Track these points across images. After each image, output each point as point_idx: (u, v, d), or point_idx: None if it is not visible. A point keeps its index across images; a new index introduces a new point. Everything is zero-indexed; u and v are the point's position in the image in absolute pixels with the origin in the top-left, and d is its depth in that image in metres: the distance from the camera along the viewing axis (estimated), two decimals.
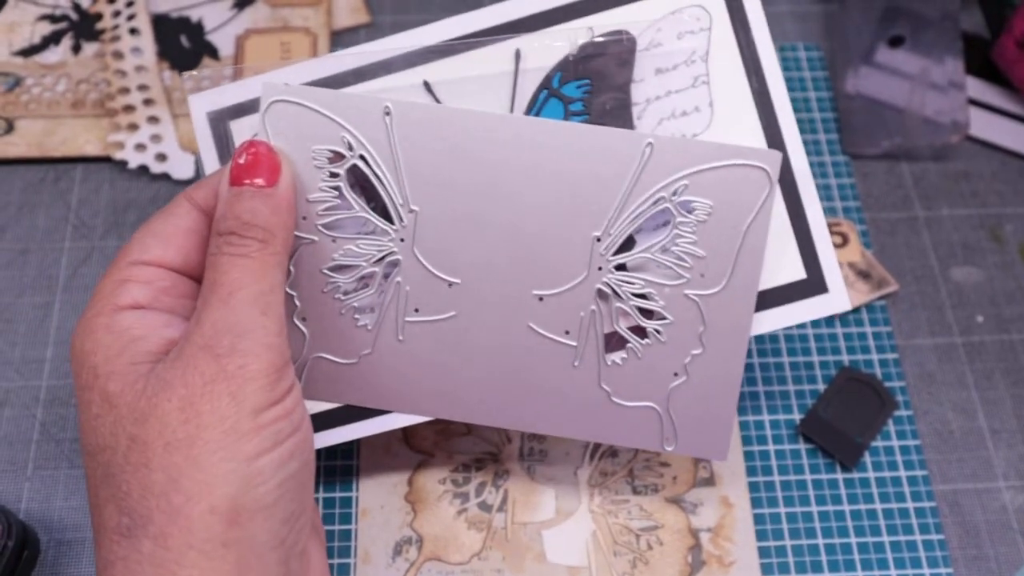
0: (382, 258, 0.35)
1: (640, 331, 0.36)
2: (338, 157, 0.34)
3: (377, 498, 0.41)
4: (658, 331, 0.36)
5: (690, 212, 0.35)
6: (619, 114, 0.36)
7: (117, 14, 0.52)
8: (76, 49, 0.52)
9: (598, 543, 0.41)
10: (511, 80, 0.36)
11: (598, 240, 0.35)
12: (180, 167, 0.48)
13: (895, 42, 0.52)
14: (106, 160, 0.49)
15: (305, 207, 0.35)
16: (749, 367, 0.44)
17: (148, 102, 0.50)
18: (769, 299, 0.37)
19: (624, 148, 0.34)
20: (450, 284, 0.35)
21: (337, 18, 0.54)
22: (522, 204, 0.34)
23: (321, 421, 0.37)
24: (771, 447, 0.43)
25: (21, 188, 0.48)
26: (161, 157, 0.48)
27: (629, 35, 0.36)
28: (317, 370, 0.36)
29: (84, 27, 0.52)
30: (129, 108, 0.49)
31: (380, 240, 0.35)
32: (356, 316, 0.36)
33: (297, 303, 0.35)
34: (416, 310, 0.36)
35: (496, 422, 0.37)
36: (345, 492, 0.42)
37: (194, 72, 0.39)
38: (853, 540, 0.41)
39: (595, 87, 0.36)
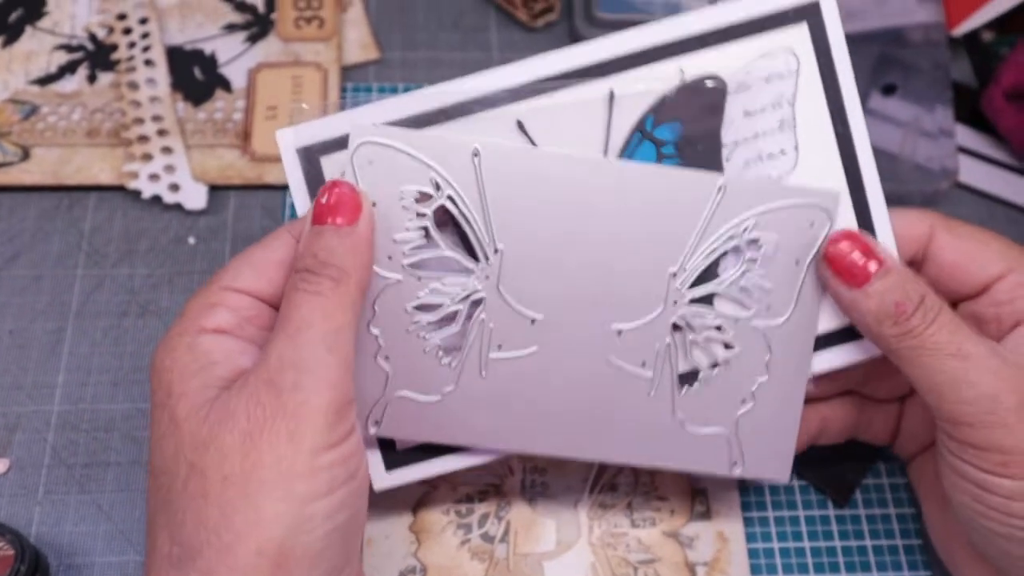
0: (467, 296, 0.36)
1: (711, 363, 0.37)
2: (425, 197, 0.35)
3: (382, 528, 0.42)
4: (728, 361, 0.37)
5: (758, 248, 0.36)
6: (710, 156, 0.37)
7: (132, 45, 0.53)
8: (92, 79, 0.53)
9: (597, 575, 0.42)
10: (604, 121, 0.37)
11: (674, 276, 0.36)
12: (192, 197, 0.49)
13: (888, 90, 0.54)
14: (120, 189, 0.50)
15: (391, 247, 0.35)
16: None
17: (162, 132, 0.51)
18: (836, 337, 0.38)
19: (699, 189, 0.36)
20: (533, 320, 0.36)
21: (348, 53, 0.55)
22: (604, 242, 0.36)
23: (400, 459, 0.38)
24: (766, 483, 0.45)
25: (35, 215, 0.49)
26: (174, 187, 0.50)
27: (720, 79, 0.37)
28: (399, 408, 0.37)
29: (100, 57, 0.53)
30: (143, 138, 0.50)
31: (465, 279, 0.36)
32: (440, 354, 0.36)
33: (380, 342, 0.36)
34: (499, 346, 0.36)
35: (575, 454, 0.38)
36: None
37: (304, 105, 0.38)
38: None
39: (686, 129, 0.37)
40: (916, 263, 0.38)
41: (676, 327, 0.37)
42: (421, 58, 0.56)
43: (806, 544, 0.43)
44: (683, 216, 0.36)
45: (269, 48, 0.55)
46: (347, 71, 0.55)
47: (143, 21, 0.54)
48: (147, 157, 0.50)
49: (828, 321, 0.38)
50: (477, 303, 0.36)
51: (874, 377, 0.41)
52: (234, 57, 0.54)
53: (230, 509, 0.29)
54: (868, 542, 0.43)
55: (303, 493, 0.30)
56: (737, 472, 0.38)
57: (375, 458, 0.38)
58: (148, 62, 0.53)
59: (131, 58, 0.53)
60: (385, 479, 0.38)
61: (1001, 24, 0.57)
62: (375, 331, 0.36)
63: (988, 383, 0.33)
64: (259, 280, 0.34)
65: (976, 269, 0.37)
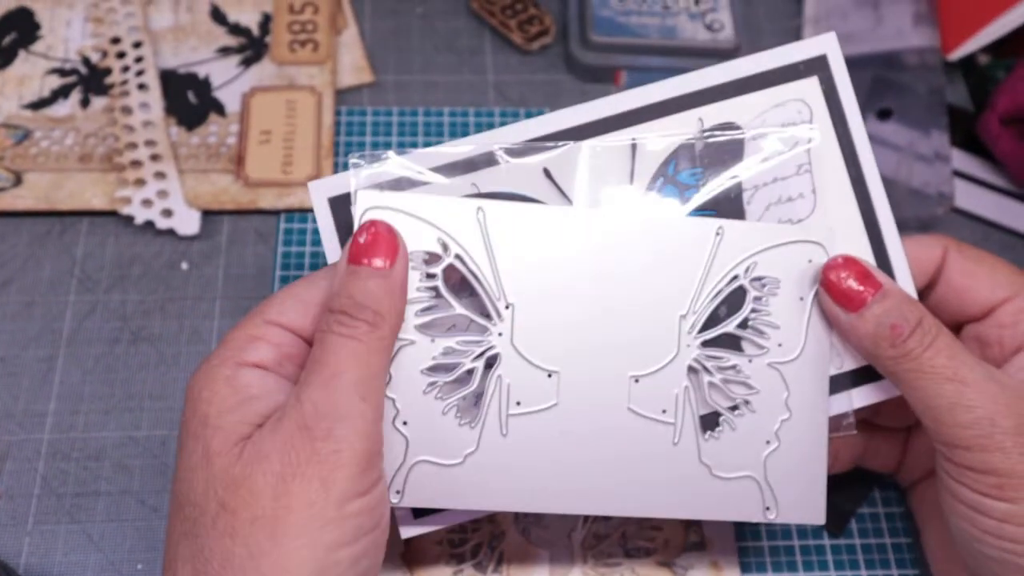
0: (482, 353, 0.36)
1: (731, 405, 0.37)
2: (434, 258, 0.35)
3: None
4: (747, 401, 0.37)
5: (763, 287, 0.37)
6: (731, 200, 0.38)
7: (126, 69, 0.53)
8: (85, 103, 0.53)
9: None
10: (628, 168, 0.38)
11: (683, 318, 0.37)
12: (185, 223, 0.49)
13: (883, 114, 0.54)
14: (112, 214, 0.50)
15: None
16: None
17: (155, 158, 0.51)
18: (856, 378, 0.39)
19: (698, 234, 0.37)
20: (549, 374, 0.36)
21: (342, 77, 0.55)
22: (613, 291, 0.36)
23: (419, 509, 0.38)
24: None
25: (27, 241, 0.49)
26: (167, 213, 0.49)
27: (737, 127, 0.38)
28: (421, 474, 0.36)
29: (93, 81, 0.53)
30: (136, 163, 0.50)
31: (479, 336, 0.36)
32: (458, 415, 0.36)
33: (397, 407, 0.35)
34: (518, 403, 0.36)
35: (603, 510, 0.37)
36: None
37: (360, 157, 0.37)
38: None
39: (708, 174, 0.38)
40: (931, 286, 0.39)
41: (692, 371, 0.37)
42: (416, 81, 0.56)
43: (801, 574, 0.43)
44: (686, 260, 0.37)
45: (263, 72, 0.55)
46: (341, 94, 0.55)
47: (137, 45, 0.54)
48: (140, 182, 0.50)
49: (853, 360, 0.38)
50: (492, 360, 0.36)
51: (885, 407, 0.41)
52: (228, 81, 0.54)
53: (257, 551, 0.29)
54: (863, 572, 0.43)
55: (330, 540, 0.30)
56: (771, 517, 0.37)
57: (404, 510, 0.38)
58: (142, 86, 0.53)
59: (125, 82, 0.53)
60: (414, 529, 0.38)
61: (997, 48, 0.57)
62: (391, 396, 0.35)
63: (985, 407, 0.33)
64: (303, 317, 0.34)
65: (983, 292, 0.38)
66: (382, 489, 0.32)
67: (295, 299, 0.34)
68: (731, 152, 0.38)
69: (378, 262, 0.33)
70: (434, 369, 0.36)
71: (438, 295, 0.35)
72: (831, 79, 0.39)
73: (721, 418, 0.37)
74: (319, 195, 0.37)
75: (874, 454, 0.42)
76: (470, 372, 0.36)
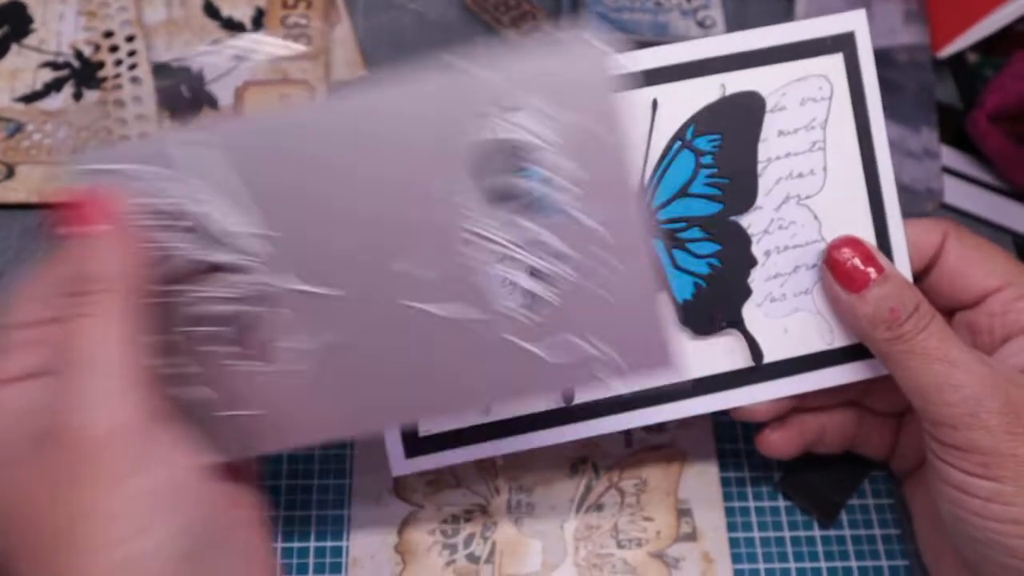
0: (256, 296, 0.33)
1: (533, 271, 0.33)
2: (178, 212, 0.32)
3: (367, 548, 0.42)
4: (554, 268, 0.33)
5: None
6: (745, 169, 0.39)
7: (119, 63, 0.53)
8: (77, 96, 0.53)
9: None
10: (647, 126, 0.38)
11: (451, 196, 0.32)
12: None
13: None
14: None
15: (157, 269, 0.32)
16: (732, 425, 0.46)
17: None
18: (844, 355, 0.39)
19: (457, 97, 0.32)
20: (330, 297, 0.33)
21: (335, 71, 0.56)
22: (375, 190, 0.32)
23: (420, 446, 0.38)
24: (751, 503, 0.45)
25: (19, 233, 0.49)
26: None
27: (759, 95, 0.38)
28: (228, 428, 0.34)
29: (86, 75, 0.53)
30: None
31: (247, 277, 0.33)
32: (246, 361, 0.33)
33: (180, 369, 0.33)
34: (307, 335, 0.33)
35: (423, 415, 0.36)
36: (336, 542, 0.42)
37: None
38: None
39: (725, 142, 0.38)
40: (927, 270, 0.40)
41: (473, 244, 0.33)
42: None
43: (791, 565, 0.43)
44: (441, 134, 0.32)
45: (256, 66, 0.55)
46: (335, 89, 0.55)
47: (130, 39, 0.54)
48: None
49: (845, 337, 0.39)
50: (264, 298, 0.33)
51: (875, 390, 0.42)
52: (221, 75, 0.54)
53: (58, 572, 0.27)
54: (853, 563, 0.43)
55: (122, 534, 0.27)
56: (603, 373, 0.33)
57: (395, 444, 0.38)
58: (135, 80, 0.53)
59: (117, 75, 0.53)
60: (405, 466, 0.38)
61: (986, 46, 0.57)
62: (171, 360, 0.33)
63: (972, 386, 0.34)
64: (47, 306, 0.30)
65: (977, 278, 0.39)
66: (174, 464, 0.29)
67: (30, 294, 0.30)
68: (751, 121, 0.38)
69: (87, 226, 0.30)
70: (211, 322, 0.33)
71: (194, 245, 0.32)
72: (856, 58, 0.39)
73: (527, 288, 0.33)
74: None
75: (865, 439, 0.43)
76: (247, 315, 0.33)
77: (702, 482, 0.45)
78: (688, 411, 0.40)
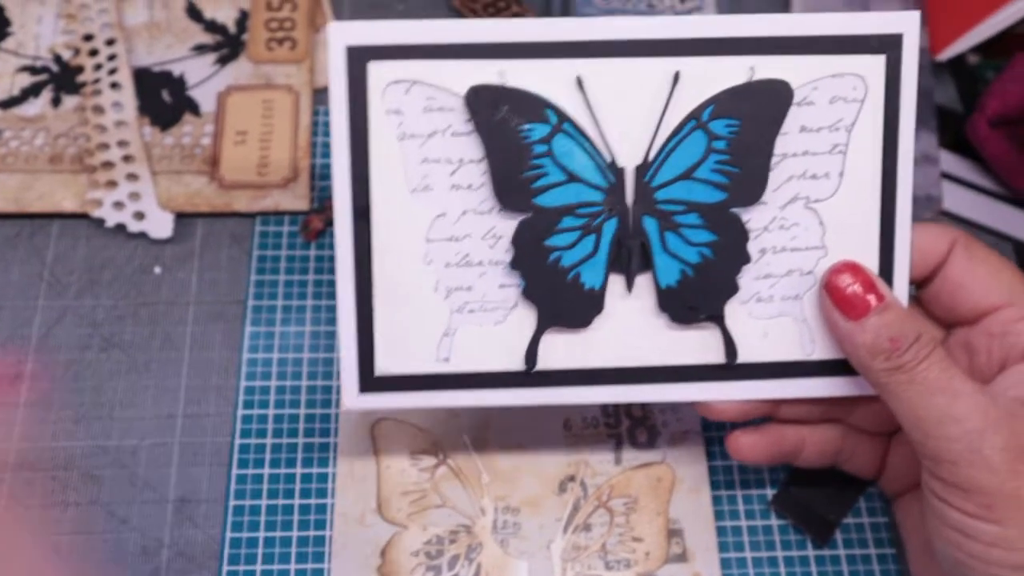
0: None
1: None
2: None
3: (349, 570, 0.41)
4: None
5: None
6: (759, 160, 0.37)
7: (99, 67, 0.52)
8: (56, 102, 0.51)
9: None
10: (664, 98, 0.36)
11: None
12: (158, 226, 0.48)
13: None
14: (83, 217, 0.49)
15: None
16: (722, 441, 0.44)
17: (127, 159, 0.49)
18: (822, 368, 0.38)
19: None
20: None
21: (320, 76, 0.54)
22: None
23: (376, 384, 0.38)
24: (743, 523, 0.44)
25: None
26: (139, 216, 0.48)
27: (788, 86, 0.36)
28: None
29: (65, 80, 0.52)
30: (108, 164, 0.49)
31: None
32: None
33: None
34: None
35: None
36: (317, 564, 0.41)
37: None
38: None
39: (743, 129, 0.37)
40: (930, 278, 0.39)
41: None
42: None
43: None
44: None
45: (239, 70, 0.53)
46: (319, 94, 0.54)
47: (110, 42, 0.53)
48: (112, 184, 0.49)
49: (825, 350, 0.38)
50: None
51: (860, 407, 0.40)
52: (203, 80, 0.53)
53: None
54: None
55: None
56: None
57: (350, 377, 0.37)
58: (114, 85, 0.51)
59: (97, 81, 0.52)
60: (357, 400, 0.38)
61: (987, 47, 0.56)
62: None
63: (975, 420, 0.33)
64: None
65: (979, 293, 0.37)
66: None
67: None
68: (774, 111, 0.36)
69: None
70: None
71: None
72: (899, 63, 0.36)
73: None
74: (337, 40, 0.35)
75: (850, 455, 0.41)
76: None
77: (693, 501, 0.43)
78: (650, 396, 0.39)
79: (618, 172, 0.37)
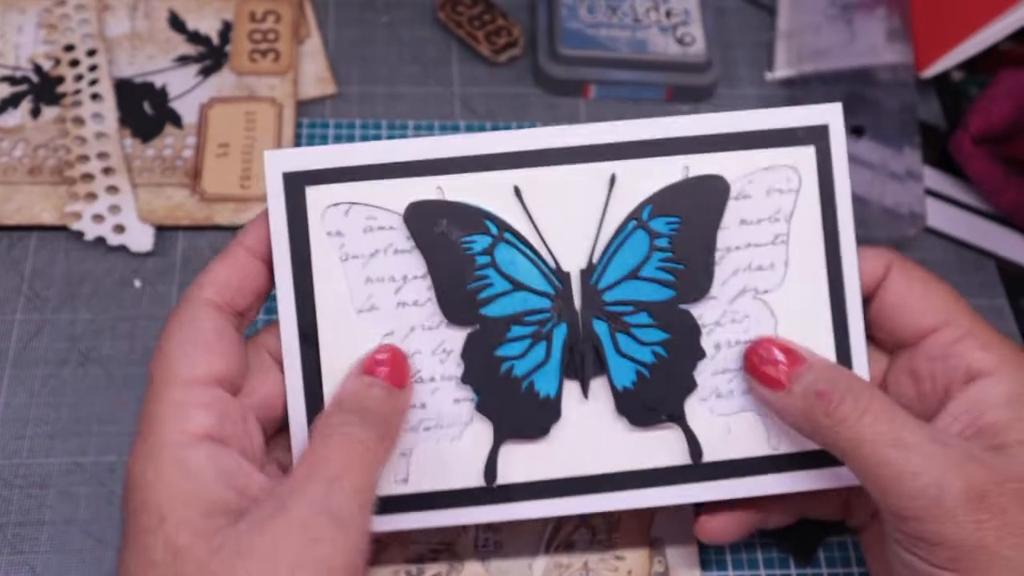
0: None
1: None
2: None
3: None
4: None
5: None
6: (702, 256, 0.37)
7: (79, 78, 0.52)
8: (35, 113, 0.51)
9: None
10: (602, 202, 0.37)
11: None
12: (138, 239, 0.48)
13: (856, 132, 0.53)
14: (62, 230, 0.48)
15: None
16: None
17: (107, 171, 0.49)
18: (789, 462, 0.38)
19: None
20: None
21: (304, 88, 0.54)
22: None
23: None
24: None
25: None
26: (119, 228, 0.48)
27: (724, 180, 0.37)
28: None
29: (45, 90, 0.52)
30: (88, 177, 0.49)
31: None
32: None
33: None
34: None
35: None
36: None
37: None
38: None
39: (683, 225, 0.37)
40: (867, 302, 0.38)
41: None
42: (380, 93, 0.55)
43: None
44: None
45: (222, 82, 0.53)
46: (303, 106, 0.54)
47: (91, 53, 0.52)
48: (91, 197, 0.48)
49: (791, 444, 0.38)
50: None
51: None
52: (186, 91, 0.53)
53: None
54: None
55: None
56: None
57: None
58: (95, 96, 0.51)
59: (77, 91, 0.51)
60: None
61: (971, 64, 0.56)
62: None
63: (931, 473, 0.32)
64: (214, 363, 0.33)
65: (915, 314, 0.37)
66: None
67: (194, 345, 0.33)
68: (712, 206, 0.37)
69: (392, 382, 0.34)
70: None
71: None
72: (828, 152, 0.37)
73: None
74: (274, 167, 0.36)
75: (816, 504, 0.41)
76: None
77: (676, 519, 0.43)
78: (616, 504, 0.37)
79: (564, 277, 0.37)
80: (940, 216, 0.53)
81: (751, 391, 0.37)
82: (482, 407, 0.37)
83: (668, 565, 0.42)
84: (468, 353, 0.36)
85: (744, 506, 0.39)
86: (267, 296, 0.36)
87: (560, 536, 0.43)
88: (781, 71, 0.57)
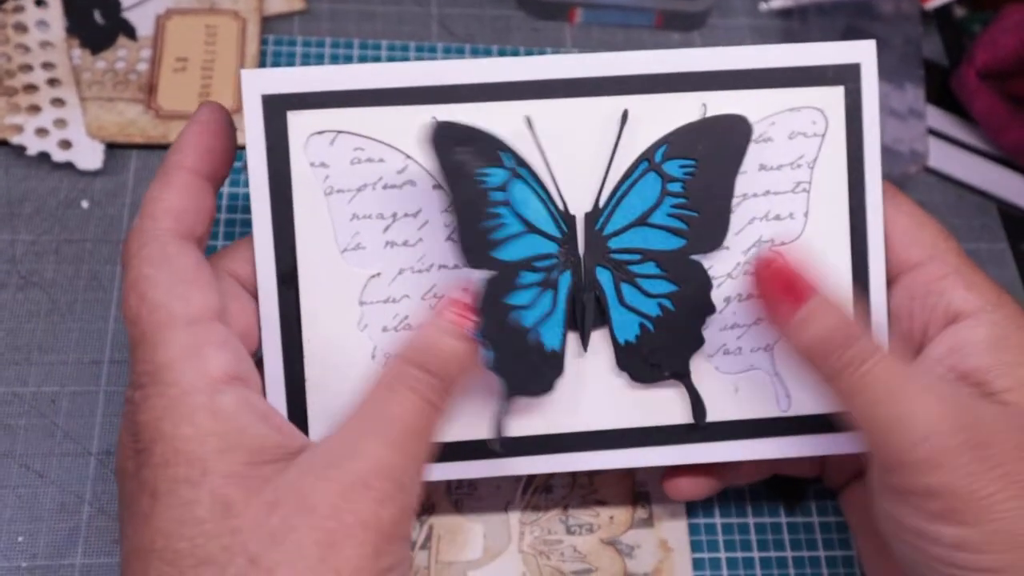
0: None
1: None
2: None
3: None
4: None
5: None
6: (718, 203, 0.34)
7: None
8: None
9: None
10: (612, 141, 0.33)
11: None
12: (86, 156, 0.44)
13: None
14: (3, 144, 0.44)
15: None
16: None
17: (53, 82, 0.45)
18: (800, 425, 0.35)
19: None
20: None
21: (270, 3, 0.50)
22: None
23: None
24: None
25: None
26: (65, 144, 0.44)
27: (746, 121, 0.33)
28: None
29: None
30: (31, 88, 0.45)
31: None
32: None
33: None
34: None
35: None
36: None
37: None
38: None
39: (699, 169, 0.33)
40: None
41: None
42: (352, 10, 0.51)
43: (755, 554, 0.40)
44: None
45: None
46: (268, 22, 0.50)
47: None
48: (34, 109, 0.44)
49: (803, 405, 0.35)
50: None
51: None
52: (140, 1, 0.49)
53: None
54: (822, 552, 0.40)
55: None
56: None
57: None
58: (40, 2, 0.47)
59: None
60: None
61: (974, 0, 0.54)
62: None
63: (930, 421, 0.29)
64: (210, 296, 0.30)
65: (901, 248, 0.35)
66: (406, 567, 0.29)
67: (187, 284, 0.30)
68: (732, 149, 0.33)
69: (467, 327, 0.30)
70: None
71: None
72: (859, 94, 0.34)
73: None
74: (251, 88, 0.32)
75: (789, 465, 0.39)
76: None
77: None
78: (616, 462, 0.35)
79: (570, 220, 0.34)
80: (941, 156, 0.50)
81: (762, 305, 0.33)
82: (497, 366, 0.32)
83: (653, 512, 0.40)
84: (482, 303, 0.32)
85: (711, 468, 0.37)
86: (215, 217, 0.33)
87: (539, 478, 0.40)
88: (777, 1, 0.54)
